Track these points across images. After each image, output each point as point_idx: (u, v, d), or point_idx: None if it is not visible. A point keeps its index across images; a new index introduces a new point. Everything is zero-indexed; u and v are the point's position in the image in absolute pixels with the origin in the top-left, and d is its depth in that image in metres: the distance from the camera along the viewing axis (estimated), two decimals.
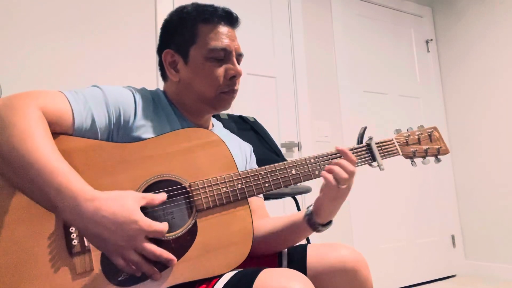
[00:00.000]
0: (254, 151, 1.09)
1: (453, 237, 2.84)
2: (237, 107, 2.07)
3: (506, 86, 2.61)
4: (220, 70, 0.86)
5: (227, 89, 0.88)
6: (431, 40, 3.06)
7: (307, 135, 2.34)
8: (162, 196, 0.68)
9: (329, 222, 0.85)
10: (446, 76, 3.02)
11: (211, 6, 0.89)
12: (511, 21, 2.60)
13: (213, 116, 1.57)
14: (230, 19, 0.90)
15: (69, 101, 0.72)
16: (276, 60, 2.33)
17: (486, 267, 2.68)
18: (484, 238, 2.72)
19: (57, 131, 0.70)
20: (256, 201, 0.96)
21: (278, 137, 2.22)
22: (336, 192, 0.79)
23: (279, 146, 2.02)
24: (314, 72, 2.46)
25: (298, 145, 2.29)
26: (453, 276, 2.78)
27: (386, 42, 2.85)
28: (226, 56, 0.87)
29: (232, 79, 0.88)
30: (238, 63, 0.90)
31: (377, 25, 2.83)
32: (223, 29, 0.88)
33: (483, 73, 2.75)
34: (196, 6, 0.89)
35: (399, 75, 2.86)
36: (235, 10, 0.93)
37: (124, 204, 0.62)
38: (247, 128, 1.71)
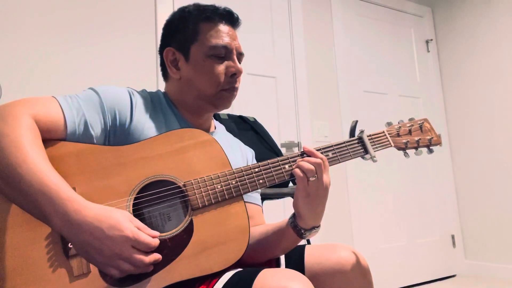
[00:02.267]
0: (254, 151, 1.08)
1: (453, 237, 2.84)
2: (237, 107, 2.07)
3: (506, 86, 2.61)
4: (221, 68, 0.87)
5: (228, 86, 0.88)
6: (431, 40, 3.05)
7: (307, 135, 2.34)
8: (153, 239, 0.65)
9: (313, 228, 0.81)
10: (446, 76, 3.02)
11: (212, 6, 0.89)
12: (511, 21, 2.60)
13: (214, 117, 1.58)
14: (231, 18, 0.91)
15: (61, 108, 0.72)
16: (276, 60, 2.33)
17: (486, 267, 2.68)
18: (484, 238, 2.72)
19: (51, 138, 0.70)
20: (255, 209, 0.95)
21: (278, 137, 2.22)
22: (306, 186, 0.77)
23: (279, 146, 2.02)
24: (314, 72, 2.46)
25: (298, 145, 2.29)
26: (453, 276, 2.78)
27: (386, 42, 2.85)
28: (227, 54, 0.88)
29: (233, 76, 0.88)
30: (239, 62, 0.91)
31: (377, 25, 2.83)
32: (224, 28, 0.88)
33: (483, 73, 2.75)
34: (197, 5, 0.90)
35: (399, 75, 2.86)
36: (235, 10, 0.93)
37: (111, 213, 0.62)
38: (247, 128, 1.71)
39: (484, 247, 2.72)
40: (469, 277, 2.73)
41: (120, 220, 0.62)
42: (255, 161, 1.05)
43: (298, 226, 0.80)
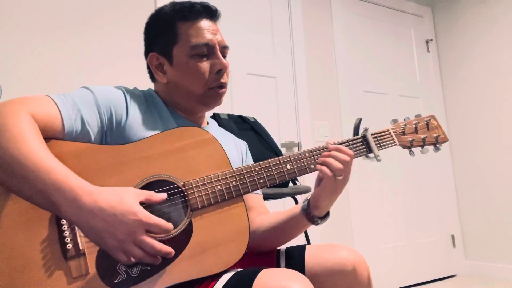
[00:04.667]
0: (253, 151, 1.08)
1: (453, 237, 2.84)
2: (237, 107, 2.07)
3: (506, 85, 2.61)
4: (205, 66, 0.85)
5: (215, 84, 0.87)
6: (431, 40, 3.05)
7: (307, 135, 2.34)
8: (161, 196, 0.67)
9: (327, 215, 0.85)
10: (446, 76, 3.02)
11: (188, 3, 0.88)
12: (511, 20, 2.60)
13: (213, 117, 1.58)
14: (209, 12, 0.88)
15: (57, 105, 0.72)
16: (276, 60, 2.33)
17: (486, 267, 2.67)
18: (484, 238, 2.71)
19: (48, 136, 0.70)
20: (255, 198, 0.96)
21: (278, 137, 2.22)
22: (333, 183, 0.78)
23: (279, 146, 2.02)
24: (314, 72, 2.46)
25: (298, 145, 2.29)
26: (453, 276, 2.78)
27: (386, 42, 2.84)
28: (210, 51, 0.86)
29: (219, 73, 0.87)
30: (224, 56, 0.89)
31: (377, 25, 2.83)
32: (203, 24, 0.86)
33: (483, 73, 2.75)
34: (173, 4, 0.89)
35: (399, 75, 2.86)
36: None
37: (123, 197, 0.62)
38: (247, 128, 1.71)
39: (484, 247, 2.72)
40: (469, 277, 2.73)
41: (133, 204, 0.62)
42: (249, 153, 1.05)
43: (314, 216, 0.83)
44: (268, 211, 0.97)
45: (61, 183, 0.60)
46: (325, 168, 0.78)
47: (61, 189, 0.60)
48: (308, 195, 0.86)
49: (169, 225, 0.64)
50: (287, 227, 0.86)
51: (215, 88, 0.87)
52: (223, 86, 0.88)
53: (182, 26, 0.86)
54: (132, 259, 0.62)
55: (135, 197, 0.63)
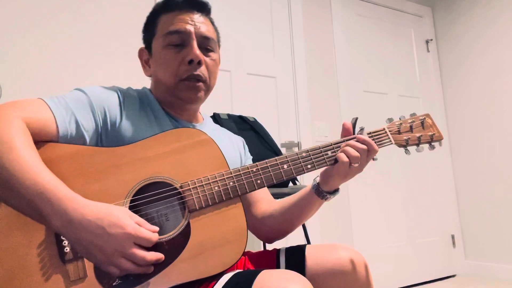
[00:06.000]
0: (253, 151, 1.08)
1: (453, 237, 2.83)
2: (237, 107, 2.07)
3: (506, 85, 2.61)
4: (177, 56, 0.83)
5: (186, 75, 0.83)
6: (431, 40, 3.05)
7: (307, 135, 2.33)
8: (154, 236, 0.65)
9: (336, 190, 0.87)
10: (446, 76, 3.02)
11: None
12: (510, 20, 2.60)
13: (213, 117, 1.57)
14: (190, 3, 0.87)
15: (50, 109, 0.71)
16: (276, 60, 2.33)
17: (486, 267, 2.67)
18: (484, 238, 2.71)
19: (42, 140, 0.69)
20: (262, 190, 0.97)
21: (278, 137, 2.22)
22: (346, 169, 0.81)
23: (279, 146, 2.02)
24: (314, 72, 2.46)
25: (298, 145, 2.29)
26: (453, 276, 2.78)
27: (386, 42, 2.84)
28: (184, 40, 0.84)
29: (191, 63, 0.83)
30: (207, 48, 0.87)
31: (377, 25, 2.82)
32: (182, 13, 0.85)
33: (483, 73, 2.75)
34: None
35: (399, 75, 2.86)
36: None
37: (111, 211, 0.62)
38: (247, 128, 1.71)
39: (484, 247, 2.71)
40: (469, 277, 2.73)
41: (120, 217, 0.62)
42: (247, 147, 1.05)
43: (324, 191, 0.86)
44: (276, 201, 0.98)
45: (49, 196, 0.59)
46: (341, 154, 0.81)
47: (49, 200, 0.59)
48: (318, 175, 0.88)
49: (156, 236, 0.64)
50: (300, 207, 0.89)
51: (185, 81, 0.84)
52: (196, 78, 0.84)
53: (162, 18, 0.86)
54: (124, 271, 0.62)
55: (124, 213, 0.63)
